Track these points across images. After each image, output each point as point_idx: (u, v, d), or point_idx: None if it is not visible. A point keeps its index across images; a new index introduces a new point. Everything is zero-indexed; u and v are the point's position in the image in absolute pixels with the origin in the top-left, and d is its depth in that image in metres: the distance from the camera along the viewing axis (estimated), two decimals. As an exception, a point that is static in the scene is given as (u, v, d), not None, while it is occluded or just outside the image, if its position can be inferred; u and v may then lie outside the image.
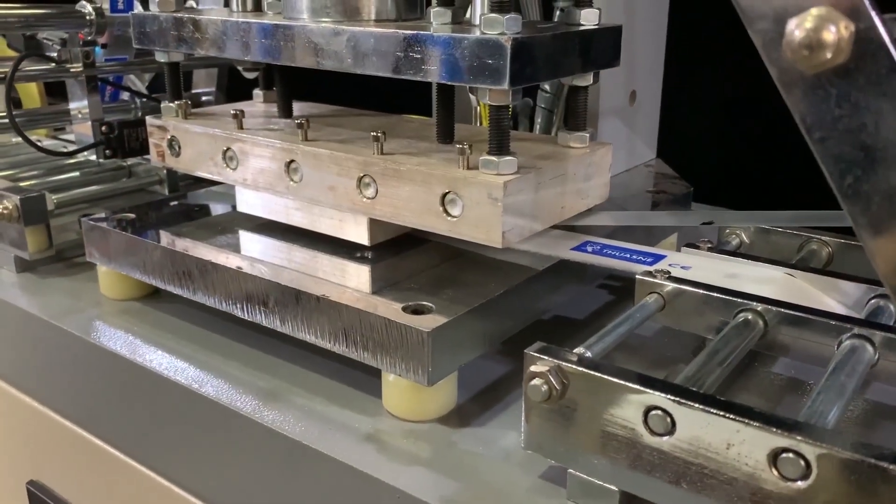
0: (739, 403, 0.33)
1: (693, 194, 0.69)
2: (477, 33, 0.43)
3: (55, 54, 0.79)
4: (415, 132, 0.57)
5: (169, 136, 0.61)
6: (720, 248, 0.52)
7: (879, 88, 0.29)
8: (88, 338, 0.56)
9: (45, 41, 0.87)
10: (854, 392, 0.37)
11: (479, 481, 0.40)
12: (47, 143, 0.95)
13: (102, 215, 0.62)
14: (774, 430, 0.31)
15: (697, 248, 0.51)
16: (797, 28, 0.29)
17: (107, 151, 0.76)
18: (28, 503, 0.68)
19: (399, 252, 0.54)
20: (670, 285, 0.46)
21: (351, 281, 0.50)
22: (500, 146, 0.46)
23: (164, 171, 0.80)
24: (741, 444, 0.32)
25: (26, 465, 0.68)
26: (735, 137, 0.90)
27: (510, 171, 0.46)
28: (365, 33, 0.47)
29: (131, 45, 0.65)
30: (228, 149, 0.57)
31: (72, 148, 0.83)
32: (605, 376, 0.35)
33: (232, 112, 0.58)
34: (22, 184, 0.70)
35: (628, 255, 0.50)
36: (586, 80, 0.52)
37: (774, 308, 0.43)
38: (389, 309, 0.45)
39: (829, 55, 0.28)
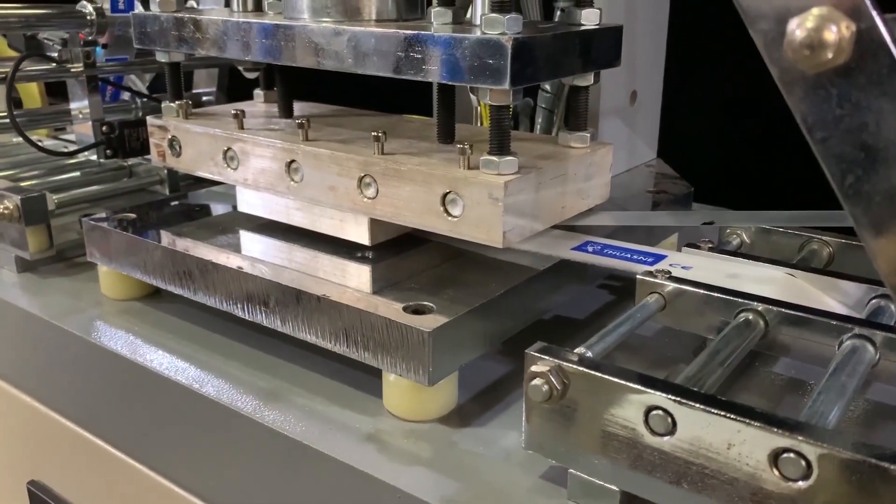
0: (740, 403, 0.33)
1: (693, 194, 0.69)
2: (478, 33, 0.43)
3: (56, 54, 0.79)
4: (415, 132, 0.57)
5: (170, 136, 0.61)
6: (721, 248, 0.52)
7: (881, 88, 0.29)
8: (89, 338, 0.56)
9: (45, 41, 0.86)
10: (855, 392, 0.37)
11: (480, 481, 0.40)
12: (48, 143, 0.95)
13: (103, 215, 0.62)
14: (775, 430, 0.31)
15: (698, 248, 0.52)
16: (798, 28, 0.28)
17: (107, 151, 0.76)
18: (29, 503, 0.68)
19: (400, 252, 0.54)
20: (671, 285, 0.46)
21: (352, 281, 0.50)
22: (500, 146, 0.46)
23: (165, 171, 0.80)
24: (742, 445, 0.32)
25: (27, 464, 0.68)
26: (735, 137, 0.90)
27: (511, 171, 0.46)
28: (366, 33, 0.47)
29: (132, 46, 0.65)
30: (229, 149, 0.57)
31: (72, 148, 0.83)
32: (606, 376, 0.35)
33: (232, 112, 0.58)
34: (23, 184, 0.70)
35: (629, 255, 0.50)
36: (587, 80, 0.52)
37: (775, 308, 0.43)
38: (390, 309, 0.45)
39: (830, 55, 0.28)
